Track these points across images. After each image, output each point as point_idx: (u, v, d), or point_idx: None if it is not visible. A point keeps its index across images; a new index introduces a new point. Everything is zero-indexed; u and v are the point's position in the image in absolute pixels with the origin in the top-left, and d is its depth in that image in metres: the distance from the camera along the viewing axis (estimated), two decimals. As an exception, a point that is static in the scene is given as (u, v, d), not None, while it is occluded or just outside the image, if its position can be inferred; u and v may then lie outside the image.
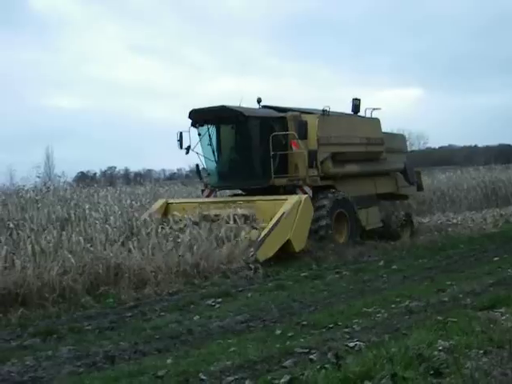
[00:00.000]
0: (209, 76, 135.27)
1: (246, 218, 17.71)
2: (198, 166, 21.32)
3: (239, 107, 19.60)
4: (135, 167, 70.92)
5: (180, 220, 17.69)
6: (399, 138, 26.48)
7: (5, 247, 13.35)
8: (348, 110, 22.19)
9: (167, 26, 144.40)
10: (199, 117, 19.80)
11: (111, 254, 13.91)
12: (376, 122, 23.00)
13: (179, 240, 15.65)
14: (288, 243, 16.94)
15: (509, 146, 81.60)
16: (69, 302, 12.03)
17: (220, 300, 12.28)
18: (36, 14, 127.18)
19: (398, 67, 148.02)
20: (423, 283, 13.14)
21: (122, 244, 15.15)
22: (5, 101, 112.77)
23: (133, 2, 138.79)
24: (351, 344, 8.04)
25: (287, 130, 19.96)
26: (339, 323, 9.62)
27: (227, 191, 22.74)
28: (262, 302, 11.83)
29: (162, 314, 11.32)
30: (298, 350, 8.05)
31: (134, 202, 24.17)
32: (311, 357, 7.64)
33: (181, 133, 20.12)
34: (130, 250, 14.63)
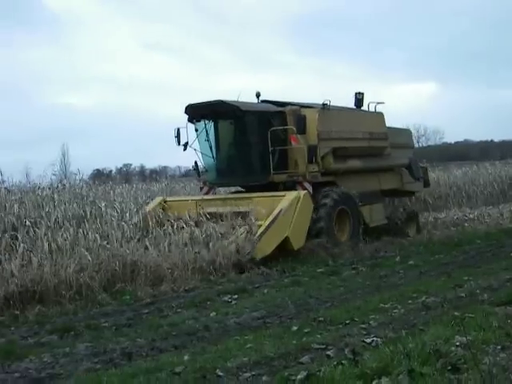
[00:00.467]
0: (224, 73, 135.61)
1: (243, 215, 17.24)
2: (196, 162, 20.52)
3: (236, 102, 18.99)
4: (151, 164, 71.19)
5: (179, 218, 17.45)
6: (405, 133, 25.80)
7: (22, 245, 13.43)
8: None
9: (182, 24, 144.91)
10: (196, 112, 19.28)
11: (127, 251, 13.96)
12: (379, 116, 22.52)
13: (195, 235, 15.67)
14: (286, 240, 16.64)
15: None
16: (86, 299, 12.10)
17: (236, 296, 12.31)
18: (50, 13, 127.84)
19: (414, 62, 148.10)
20: (440, 279, 13.08)
21: (138, 241, 15.20)
22: (19, 99, 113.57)
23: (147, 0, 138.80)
24: (368, 340, 8.03)
25: (286, 125, 19.44)
26: (356, 319, 9.61)
27: (228, 188, 22.50)
28: (279, 298, 11.82)
29: (179, 310, 11.36)
30: (315, 346, 8.04)
31: (150, 199, 24.16)
32: (328, 353, 7.63)
33: (178, 129, 19.65)
34: (146, 247, 14.67)
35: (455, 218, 26.95)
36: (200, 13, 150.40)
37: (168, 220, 17.51)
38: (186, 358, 8.02)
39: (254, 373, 7.10)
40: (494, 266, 14.27)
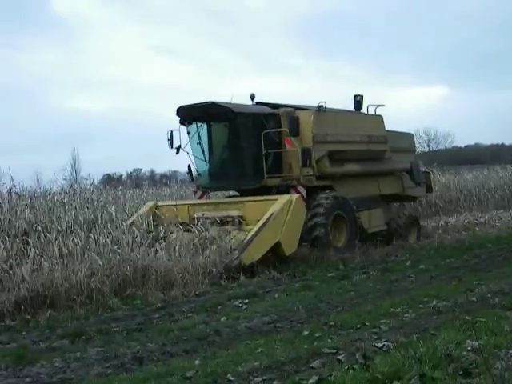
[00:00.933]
0: (232, 76, 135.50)
1: (235, 219, 17.01)
2: (189, 166, 20.12)
3: (228, 103, 18.49)
4: (161, 169, 71.06)
5: (171, 223, 17.27)
6: (406, 137, 24.88)
7: (33, 249, 13.46)
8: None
9: (189, 27, 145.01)
10: (187, 114, 18.87)
11: (138, 256, 13.99)
12: (378, 119, 21.90)
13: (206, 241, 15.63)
14: (278, 246, 16.11)
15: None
16: (96, 304, 12.12)
17: (247, 301, 12.30)
18: (58, 16, 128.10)
19: (423, 65, 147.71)
20: (451, 283, 13.06)
21: (149, 245, 15.22)
22: (29, 103, 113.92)
23: (154, 3, 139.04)
24: (379, 344, 8.01)
25: (280, 127, 18.99)
26: (367, 323, 9.59)
27: (225, 192, 22.01)
28: (289, 303, 11.81)
29: (190, 315, 11.36)
30: (326, 351, 8.03)
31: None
32: (339, 357, 7.61)
33: (171, 131, 19.25)
34: (156, 252, 14.68)
35: (466, 222, 26.88)
36: (207, 15, 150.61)
37: (158, 225, 17.27)
38: (196, 362, 8.03)
39: (265, 377, 7.09)
40: (505, 270, 14.24)
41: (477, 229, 24.50)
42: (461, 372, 6.11)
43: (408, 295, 11.89)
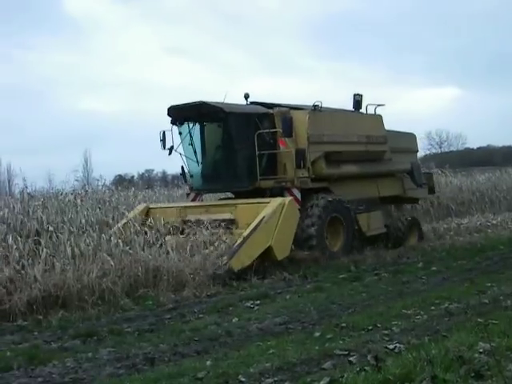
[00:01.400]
0: (244, 76, 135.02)
1: (227, 223, 16.54)
2: (182, 167, 19.53)
3: (220, 103, 17.91)
4: (172, 170, 71.11)
5: (163, 226, 16.91)
6: (407, 137, 23.91)
7: (45, 250, 13.49)
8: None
9: (202, 27, 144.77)
10: (178, 114, 18.35)
11: (150, 257, 13.99)
12: (378, 118, 21.23)
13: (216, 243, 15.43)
14: (269, 250, 15.54)
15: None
16: (108, 304, 12.15)
17: (258, 302, 12.30)
18: (70, 17, 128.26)
19: (435, 66, 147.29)
20: (463, 285, 13.02)
21: (161, 246, 15.21)
22: (40, 105, 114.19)
23: (166, 3, 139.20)
24: (391, 346, 8.00)
25: (274, 127, 18.42)
26: (378, 325, 9.58)
27: (220, 194, 21.66)
28: (301, 304, 11.81)
29: (201, 316, 11.37)
30: (338, 352, 8.03)
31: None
32: (350, 359, 7.60)
33: (163, 132, 18.75)
34: (168, 253, 14.68)
35: (478, 223, 26.72)
36: (219, 16, 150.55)
37: (150, 228, 16.78)
38: (208, 363, 8.04)
39: (276, 378, 7.10)
40: (517, 272, 14.20)
41: (489, 231, 24.41)
42: (473, 374, 6.09)
43: (420, 297, 11.85)
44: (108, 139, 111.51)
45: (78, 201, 22.17)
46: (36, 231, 16.68)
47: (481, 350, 6.80)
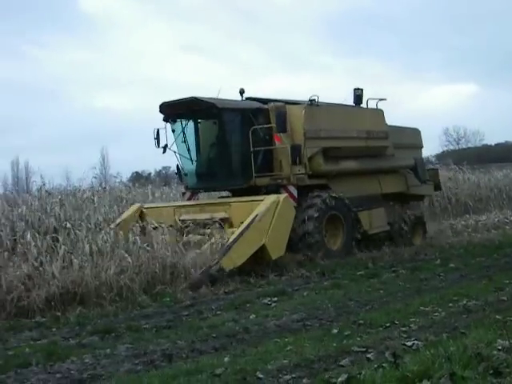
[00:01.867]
0: (260, 73, 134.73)
1: (221, 222, 16.23)
2: (178, 166, 19.08)
3: (212, 98, 17.47)
4: (190, 167, 71.11)
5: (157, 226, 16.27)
6: (411, 132, 23.29)
7: (63, 247, 13.55)
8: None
9: (217, 24, 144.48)
10: (171, 111, 17.84)
11: (167, 254, 14.01)
12: (379, 113, 20.76)
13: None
14: (263, 249, 15.11)
15: None
16: (126, 301, 12.21)
17: (276, 299, 12.29)
18: (86, 15, 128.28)
19: (452, 63, 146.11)
20: (481, 282, 12.96)
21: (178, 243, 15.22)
22: (57, 102, 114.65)
23: (181, 1, 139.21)
24: (409, 343, 7.98)
25: (270, 123, 17.87)
26: (396, 322, 9.55)
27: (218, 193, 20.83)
28: (318, 301, 11.79)
29: (219, 312, 11.38)
30: (355, 349, 8.01)
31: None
32: (368, 356, 7.59)
33: (157, 130, 18.30)
34: (185, 249, 14.69)
35: (496, 220, 26.66)
36: (235, 13, 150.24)
37: (144, 228, 16.35)
38: (226, 359, 8.03)
39: (294, 375, 7.08)
40: (536, 269, 14.13)
41: (507, 227, 24.36)
42: (491, 371, 6.06)
43: (438, 294, 11.80)
44: (125, 136, 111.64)
45: (96, 198, 22.28)
46: (54, 228, 16.80)
47: (499, 347, 6.76)
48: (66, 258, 13.08)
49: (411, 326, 9.30)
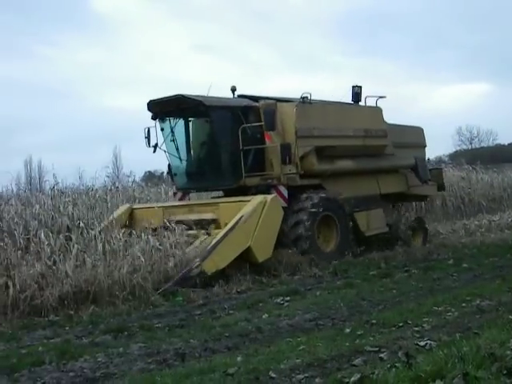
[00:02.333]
0: (271, 73, 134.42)
1: (209, 223, 16.04)
2: (169, 165, 18.70)
3: (199, 96, 16.94)
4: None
5: (146, 227, 15.93)
6: (413, 131, 22.65)
7: (76, 246, 13.58)
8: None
9: (229, 24, 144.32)
10: (158, 109, 17.41)
11: (179, 252, 14.03)
12: (377, 111, 20.21)
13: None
14: (249, 252, 14.71)
15: None
16: (139, 300, 12.21)
17: (288, 298, 12.28)
18: (97, 14, 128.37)
19: (464, 62, 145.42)
20: (494, 282, 12.91)
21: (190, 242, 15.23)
22: (69, 102, 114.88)
23: (193, 1, 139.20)
24: (422, 343, 7.95)
25: (260, 121, 17.29)
26: (409, 322, 9.52)
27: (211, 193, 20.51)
28: (331, 301, 11.78)
29: (231, 312, 11.39)
30: (368, 349, 7.99)
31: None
32: (381, 355, 7.57)
33: (148, 129, 17.80)
34: (198, 248, 14.70)
35: (510, 220, 26.57)
36: (246, 13, 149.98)
37: (132, 229, 16.05)
38: (238, 359, 8.03)
39: (306, 375, 7.07)
40: (549, 269, 14.08)
41: (521, 227, 24.24)
42: (505, 372, 6.04)
43: (451, 294, 11.77)
44: (137, 136, 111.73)
45: (108, 197, 22.34)
46: (67, 227, 16.83)
47: (513, 348, 6.75)
48: (79, 256, 13.11)
49: (424, 325, 9.27)
